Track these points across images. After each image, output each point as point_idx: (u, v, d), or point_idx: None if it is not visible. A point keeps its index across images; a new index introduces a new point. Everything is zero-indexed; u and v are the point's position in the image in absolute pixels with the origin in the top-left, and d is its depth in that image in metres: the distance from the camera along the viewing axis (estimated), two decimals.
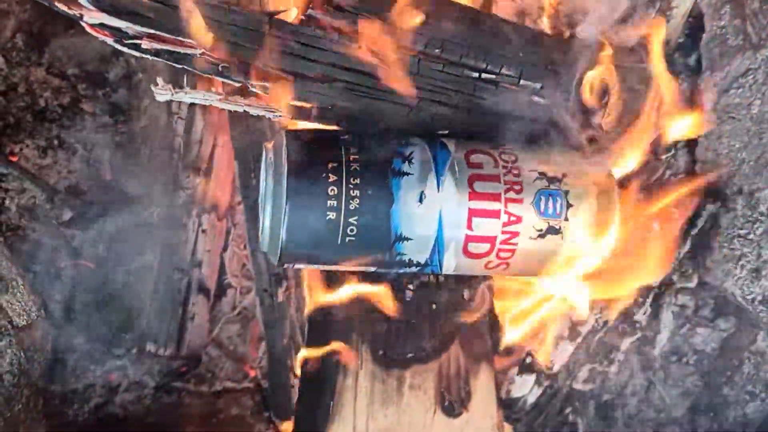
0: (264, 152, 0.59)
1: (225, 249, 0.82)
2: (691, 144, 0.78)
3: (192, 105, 0.76)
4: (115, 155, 0.83)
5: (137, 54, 0.48)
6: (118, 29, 0.46)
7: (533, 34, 0.64)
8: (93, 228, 0.81)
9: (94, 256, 0.80)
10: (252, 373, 0.81)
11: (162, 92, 0.47)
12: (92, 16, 0.43)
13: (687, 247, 0.73)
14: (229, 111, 0.61)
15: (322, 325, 0.65)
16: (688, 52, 0.81)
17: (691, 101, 0.75)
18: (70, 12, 0.44)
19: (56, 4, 0.44)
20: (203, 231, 0.77)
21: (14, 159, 0.79)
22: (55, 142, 0.83)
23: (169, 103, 0.76)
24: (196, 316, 0.77)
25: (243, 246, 0.82)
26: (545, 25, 0.75)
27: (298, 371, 0.72)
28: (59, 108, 0.84)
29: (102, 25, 0.46)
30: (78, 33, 0.84)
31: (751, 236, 0.72)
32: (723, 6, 0.78)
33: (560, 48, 0.63)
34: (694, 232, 0.74)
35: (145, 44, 0.46)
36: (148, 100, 0.77)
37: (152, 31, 0.45)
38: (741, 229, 0.73)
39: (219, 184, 0.78)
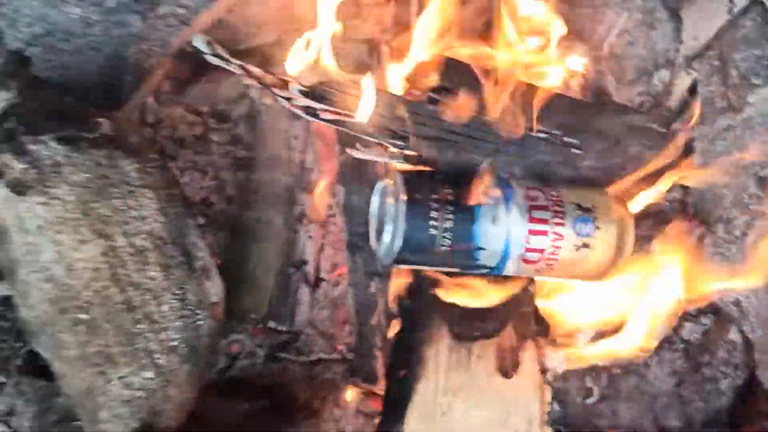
0: (381, 184, 0.82)
1: (321, 251, 1.05)
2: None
3: (306, 141, 1.00)
4: (236, 176, 1.06)
5: (315, 120, 0.71)
6: (308, 106, 0.69)
7: (574, 102, 0.87)
8: (221, 232, 1.04)
9: (224, 255, 1.03)
10: (339, 347, 1.05)
11: (358, 152, 0.71)
12: (299, 101, 0.66)
13: None
14: (340, 149, 0.85)
15: (411, 309, 0.88)
16: (684, 109, 1.05)
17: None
18: (281, 96, 0.67)
19: (273, 89, 0.67)
20: (309, 237, 1.00)
21: None
22: (190, 164, 1.06)
23: (288, 139, 0.99)
24: (302, 302, 1.00)
25: (335, 249, 1.05)
26: (575, 91, 0.99)
27: (380, 344, 0.95)
28: (193, 137, 1.07)
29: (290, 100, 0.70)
30: (210, 80, 1.07)
31: (727, 254, 0.96)
32: (712, 76, 1.02)
33: (591, 112, 0.86)
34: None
35: (324, 115, 0.69)
36: (270, 136, 1.00)
37: (334, 109, 0.68)
38: (720, 248, 0.97)
39: (321, 201, 1.02)
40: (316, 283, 1.04)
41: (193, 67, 1.04)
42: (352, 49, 0.90)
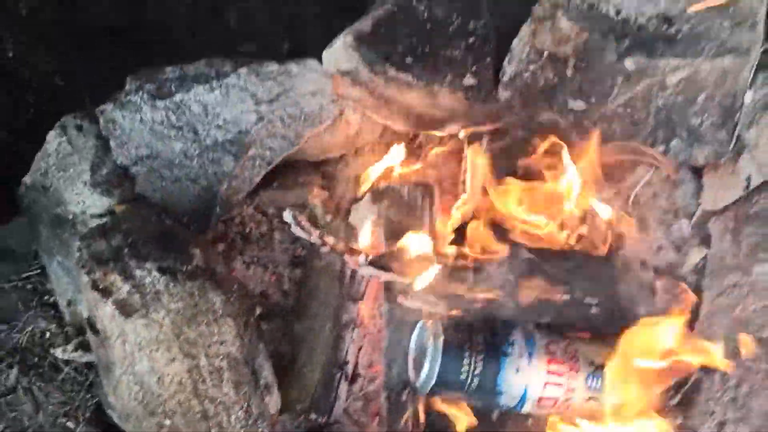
0: (423, 325, 0.95)
1: (360, 349, 1.19)
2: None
3: None
4: (294, 272, 1.20)
5: (371, 275, 0.85)
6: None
7: (597, 263, 1.00)
8: (275, 323, 1.18)
9: (276, 345, 1.17)
10: None
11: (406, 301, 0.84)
12: (364, 270, 0.80)
13: (677, 399, 1.09)
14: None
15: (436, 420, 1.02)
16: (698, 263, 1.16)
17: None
18: (351, 260, 0.80)
19: (345, 257, 0.80)
20: (353, 341, 1.14)
21: (233, 272, 1.17)
22: (255, 259, 1.20)
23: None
24: (341, 397, 1.14)
25: (372, 347, 1.18)
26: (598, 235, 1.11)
27: None
28: (259, 234, 1.21)
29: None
30: (278, 188, 1.21)
31: (720, 400, 1.07)
32: (726, 234, 1.13)
33: (610, 272, 0.99)
34: (684, 389, 1.09)
35: (384, 279, 0.83)
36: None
37: (393, 275, 0.82)
38: (715, 393, 1.08)
39: (367, 312, 1.15)
40: (353, 377, 1.18)
41: (264, 181, 1.18)
42: (406, 192, 1.04)
